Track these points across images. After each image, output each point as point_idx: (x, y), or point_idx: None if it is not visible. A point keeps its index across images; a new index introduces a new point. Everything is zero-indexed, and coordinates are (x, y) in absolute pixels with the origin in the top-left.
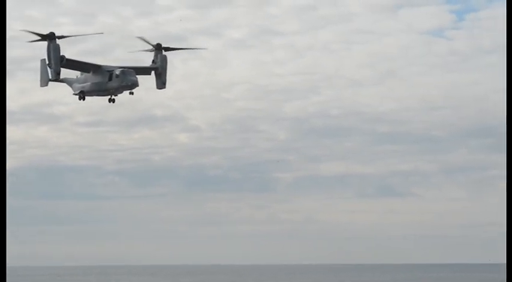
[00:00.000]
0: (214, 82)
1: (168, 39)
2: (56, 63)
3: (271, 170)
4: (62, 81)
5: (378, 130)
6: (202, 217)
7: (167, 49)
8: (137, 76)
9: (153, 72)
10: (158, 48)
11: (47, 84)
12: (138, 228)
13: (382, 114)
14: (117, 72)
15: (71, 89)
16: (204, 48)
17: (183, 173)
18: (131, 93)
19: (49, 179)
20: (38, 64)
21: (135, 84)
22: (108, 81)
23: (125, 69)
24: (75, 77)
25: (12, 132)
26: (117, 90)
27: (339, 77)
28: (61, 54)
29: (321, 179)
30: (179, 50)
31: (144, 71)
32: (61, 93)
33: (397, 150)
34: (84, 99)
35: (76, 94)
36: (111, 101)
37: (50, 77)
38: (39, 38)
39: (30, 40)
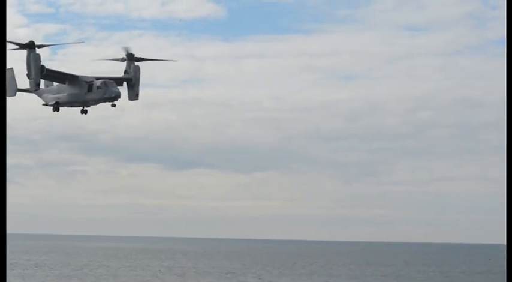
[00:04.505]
0: None
1: None
2: (37, 74)
3: None
4: (28, 91)
5: None
6: None
7: (139, 59)
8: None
9: (124, 83)
10: (131, 58)
11: (14, 94)
12: None
13: None
14: (98, 83)
15: (40, 99)
16: (174, 60)
17: None
18: (113, 105)
19: None
20: None
21: (118, 96)
22: (87, 92)
23: (106, 80)
24: (45, 87)
25: None
26: (97, 102)
27: None
28: (41, 63)
29: None
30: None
31: (117, 81)
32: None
33: None
34: (58, 111)
35: (49, 105)
36: (84, 112)
37: (23, 87)
38: (18, 47)
39: (11, 48)
